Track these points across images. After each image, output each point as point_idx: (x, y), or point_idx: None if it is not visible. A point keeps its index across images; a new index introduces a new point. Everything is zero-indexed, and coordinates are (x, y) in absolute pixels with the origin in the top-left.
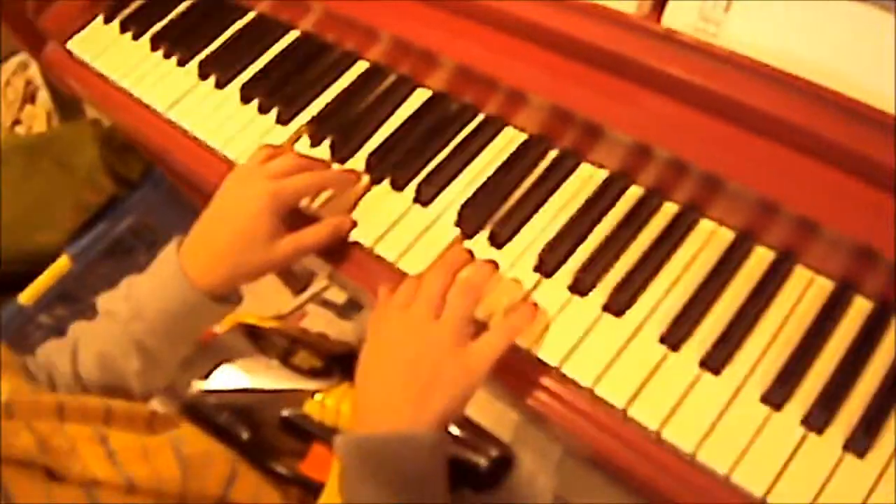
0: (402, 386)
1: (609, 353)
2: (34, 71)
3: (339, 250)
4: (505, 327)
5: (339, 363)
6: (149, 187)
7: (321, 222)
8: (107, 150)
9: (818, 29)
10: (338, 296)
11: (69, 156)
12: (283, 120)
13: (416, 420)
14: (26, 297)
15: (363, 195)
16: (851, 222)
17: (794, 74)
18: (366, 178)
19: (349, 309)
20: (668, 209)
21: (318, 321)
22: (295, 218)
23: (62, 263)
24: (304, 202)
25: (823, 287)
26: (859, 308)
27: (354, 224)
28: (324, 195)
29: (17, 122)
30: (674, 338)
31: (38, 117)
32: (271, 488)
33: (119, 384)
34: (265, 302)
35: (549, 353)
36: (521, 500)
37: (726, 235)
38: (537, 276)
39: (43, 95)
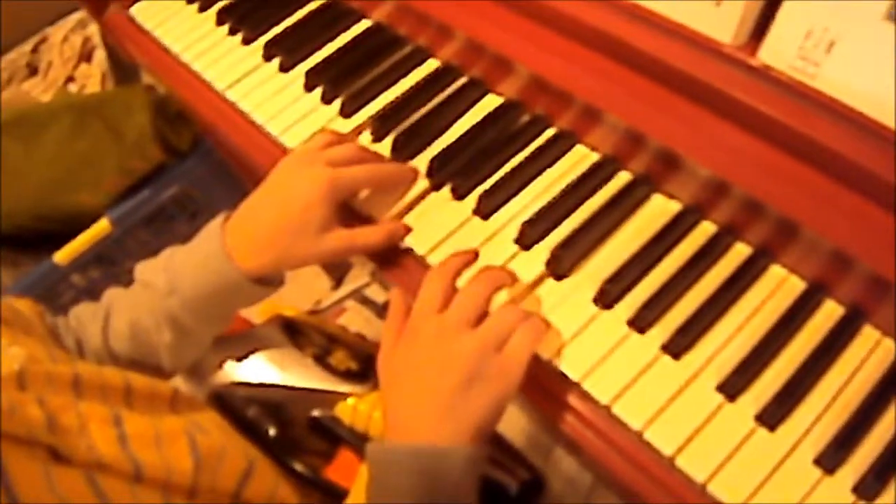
0: (438, 392)
1: (663, 397)
2: (93, 29)
3: (389, 254)
4: (532, 326)
5: (375, 367)
6: (197, 158)
7: (377, 224)
8: (159, 117)
9: None
10: (378, 294)
11: (120, 120)
12: (346, 112)
13: (455, 431)
14: (62, 256)
15: (421, 200)
16: None
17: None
18: (425, 182)
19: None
20: (740, 250)
21: (357, 319)
22: (347, 215)
23: (102, 226)
24: (359, 199)
25: (889, 348)
26: None
27: (409, 230)
28: (380, 195)
29: (70, 79)
30: (732, 388)
31: (93, 77)
32: (290, 489)
33: (149, 356)
34: (301, 286)
35: (599, 387)
36: None
37: (797, 284)
38: (596, 308)
39: (100, 55)
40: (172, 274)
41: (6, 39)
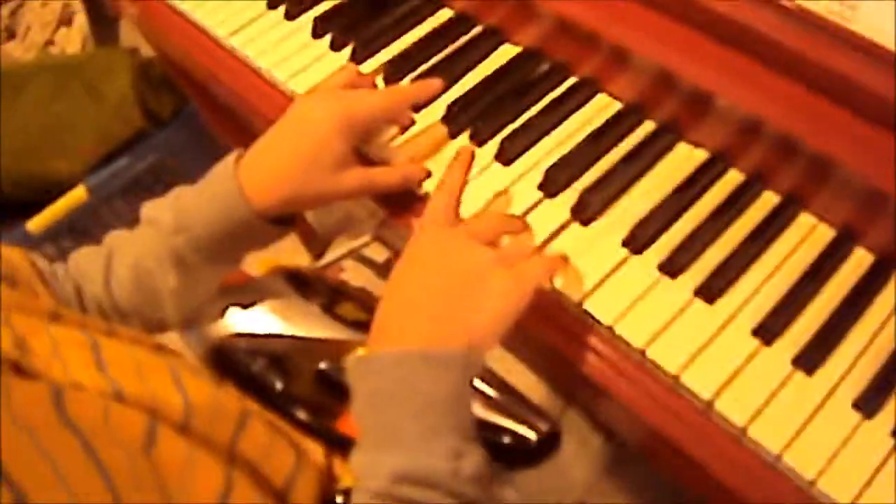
0: (435, 294)
1: (698, 342)
2: None
3: (403, 199)
4: (549, 257)
5: None
6: (177, 126)
7: (395, 165)
8: (141, 81)
9: None
10: (379, 254)
11: (101, 82)
12: (357, 59)
13: (451, 335)
14: (35, 224)
15: (439, 147)
16: None
17: None
18: (443, 129)
19: (390, 269)
20: (768, 199)
21: (357, 279)
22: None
23: (78, 194)
24: (376, 144)
25: None
26: None
27: (428, 174)
28: (398, 140)
29: (50, 42)
30: (768, 332)
31: (73, 40)
32: (285, 443)
33: (152, 304)
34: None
35: (632, 331)
36: (550, 489)
37: (826, 232)
38: (626, 252)
39: (80, 19)
40: (181, 212)
41: None
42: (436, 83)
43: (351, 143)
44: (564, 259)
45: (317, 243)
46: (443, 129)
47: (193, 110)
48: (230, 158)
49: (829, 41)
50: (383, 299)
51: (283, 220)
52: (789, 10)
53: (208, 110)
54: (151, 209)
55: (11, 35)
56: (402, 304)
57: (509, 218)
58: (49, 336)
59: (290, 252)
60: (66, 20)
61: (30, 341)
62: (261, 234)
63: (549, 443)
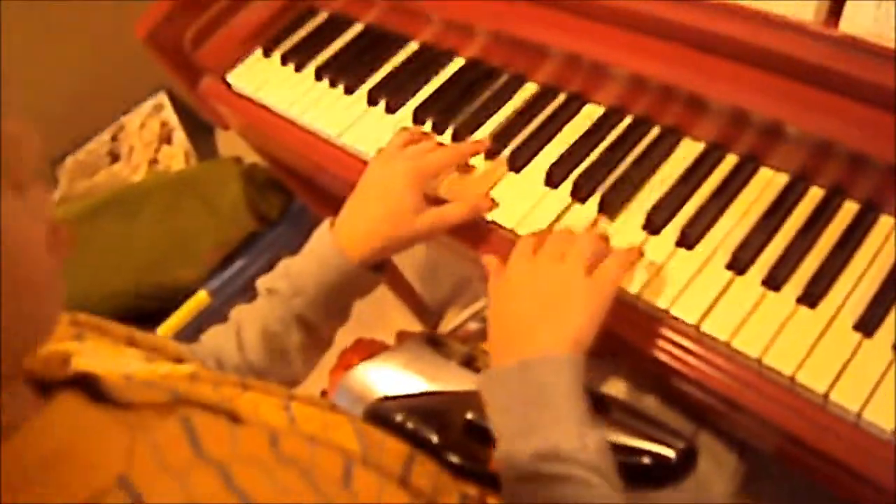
0: (535, 316)
1: (807, 343)
2: (168, 112)
3: (474, 230)
4: (620, 253)
5: None
6: (286, 224)
7: (462, 200)
8: (249, 187)
9: None
10: None
11: (214, 193)
12: (457, 139)
13: (555, 343)
14: (164, 330)
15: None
16: None
17: None
18: (503, 164)
19: None
20: (849, 208)
21: (483, 338)
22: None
23: (201, 298)
24: (444, 188)
25: None
26: None
27: (495, 205)
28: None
29: (154, 161)
30: (868, 325)
31: (176, 157)
32: (450, 478)
33: (282, 361)
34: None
35: (747, 343)
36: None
37: None
38: (731, 273)
39: (179, 136)
40: (293, 278)
41: (84, 131)
42: (486, 141)
43: (421, 192)
44: (635, 251)
45: (430, 316)
46: (503, 164)
47: (299, 207)
48: (325, 225)
49: (877, 62)
50: (491, 329)
51: (378, 266)
52: (838, 40)
53: (315, 202)
54: (267, 282)
55: (115, 158)
56: (510, 327)
57: (571, 232)
58: (246, 399)
59: (407, 327)
60: (165, 138)
61: (234, 403)
62: (363, 282)
63: (688, 459)
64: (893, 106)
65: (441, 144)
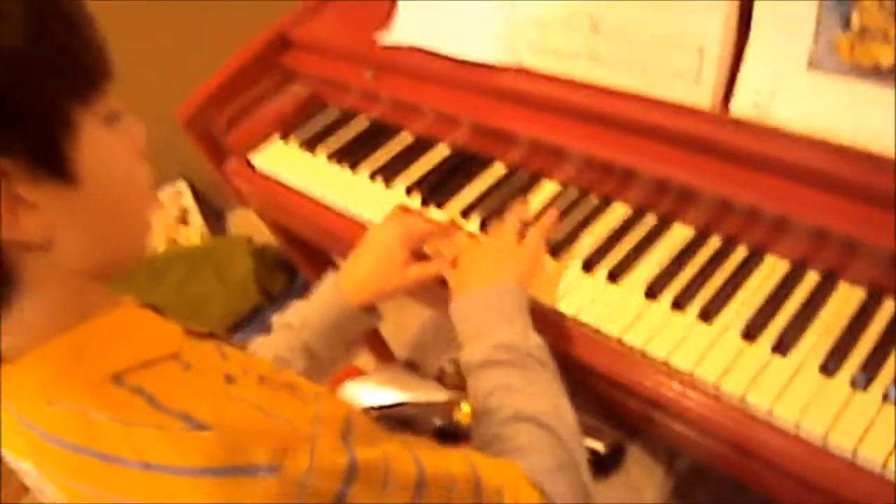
0: (489, 269)
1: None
2: (187, 198)
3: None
4: (537, 227)
5: None
6: (292, 299)
7: (439, 258)
8: (258, 263)
9: (836, 104)
10: None
11: (226, 266)
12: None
13: (507, 279)
14: None
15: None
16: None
17: (824, 139)
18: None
19: None
20: (740, 253)
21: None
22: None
23: None
24: (428, 247)
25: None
26: None
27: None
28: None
29: (173, 241)
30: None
31: (192, 237)
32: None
33: None
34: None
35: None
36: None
37: (782, 267)
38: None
39: (196, 219)
40: (302, 315)
41: None
42: (460, 223)
43: (409, 251)
44: (551, 217)
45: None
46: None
47: (302, 283)
48: (330, 275)
49: (757, 134)
50: (458, 273)
51: (371, 309)
52: (730, 119)
53: (318, 275)
54: (282, 317)
55: None
56: (471, 273)
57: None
58: (379, 449)
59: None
60: (182, 219)
61: (369, 463)
62: (359, 320)
63: (617, 452)
64: (771, 169)
65: (429, 219)
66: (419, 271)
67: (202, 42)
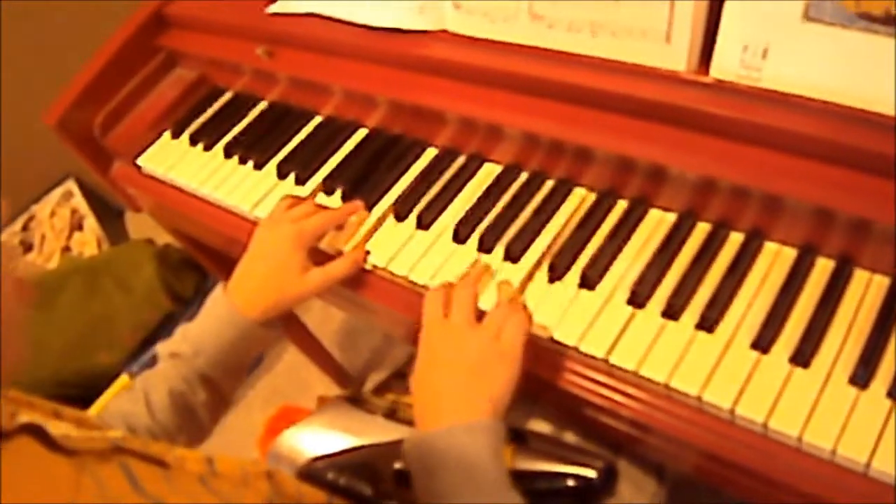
0: (455, 385)
1: (808, 404)
2: (78, 199)
3: (358, 279)
4: (520, 317)
5: None
6: (200, 303)
7: (342, 256)
8: (163, 267)
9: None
10: None
11: (128, 275)
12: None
13: (474, 410)
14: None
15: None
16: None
17: (826, 100)
18: (365, 213)
19: None
20: (735, 238)
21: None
22: (322, 257)
23: (122, 382)
24: (324, 242)
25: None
26: None
27: (367, 253)
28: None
29: (66, 248)
30: (861, 378)
31: (88, 243)
32: None
33: (191, 419)
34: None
35: (718, 395)
36: None
37: (789, 253)
38: (631, 308)
39: (90, 222)
40: (193, 341)
41: None
42: (359, 203)
43: (305, 252)
44: (523, 304)
45: (351, 381)
46: (364, 214)
47: (212, 283)
48: (218, 289)
49: (745, 101)
50: (415, 394)
51: (273, 323)
52: (708, 85)
53: (228, 276)
54: (168, 347)
55: (28, 247)
56: (433, 395)
57: (473, 277)
58: (175, 453)
59: (328, 394)
60: (76, 225)
61: (165, 455)
62: (259, 338)
63: (609, 476)
64: (763, 141)
65: (320, 206)
66: (321, 276)
67: (86, 32)
